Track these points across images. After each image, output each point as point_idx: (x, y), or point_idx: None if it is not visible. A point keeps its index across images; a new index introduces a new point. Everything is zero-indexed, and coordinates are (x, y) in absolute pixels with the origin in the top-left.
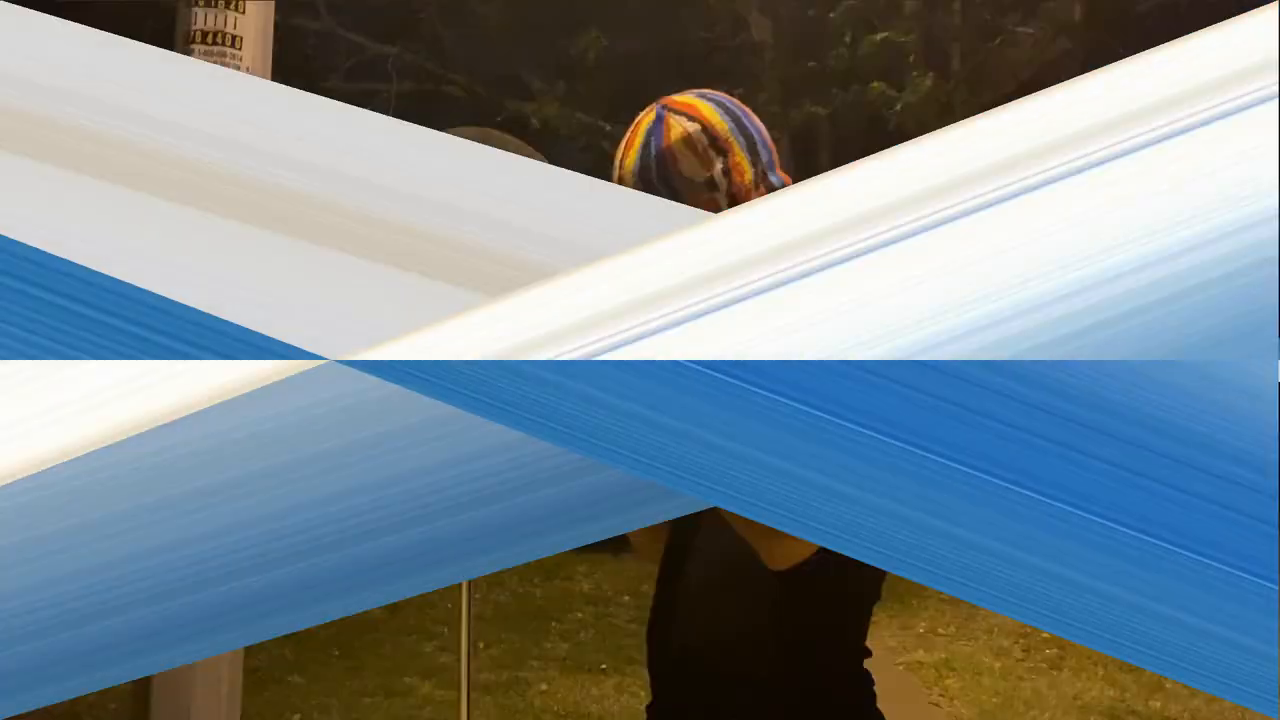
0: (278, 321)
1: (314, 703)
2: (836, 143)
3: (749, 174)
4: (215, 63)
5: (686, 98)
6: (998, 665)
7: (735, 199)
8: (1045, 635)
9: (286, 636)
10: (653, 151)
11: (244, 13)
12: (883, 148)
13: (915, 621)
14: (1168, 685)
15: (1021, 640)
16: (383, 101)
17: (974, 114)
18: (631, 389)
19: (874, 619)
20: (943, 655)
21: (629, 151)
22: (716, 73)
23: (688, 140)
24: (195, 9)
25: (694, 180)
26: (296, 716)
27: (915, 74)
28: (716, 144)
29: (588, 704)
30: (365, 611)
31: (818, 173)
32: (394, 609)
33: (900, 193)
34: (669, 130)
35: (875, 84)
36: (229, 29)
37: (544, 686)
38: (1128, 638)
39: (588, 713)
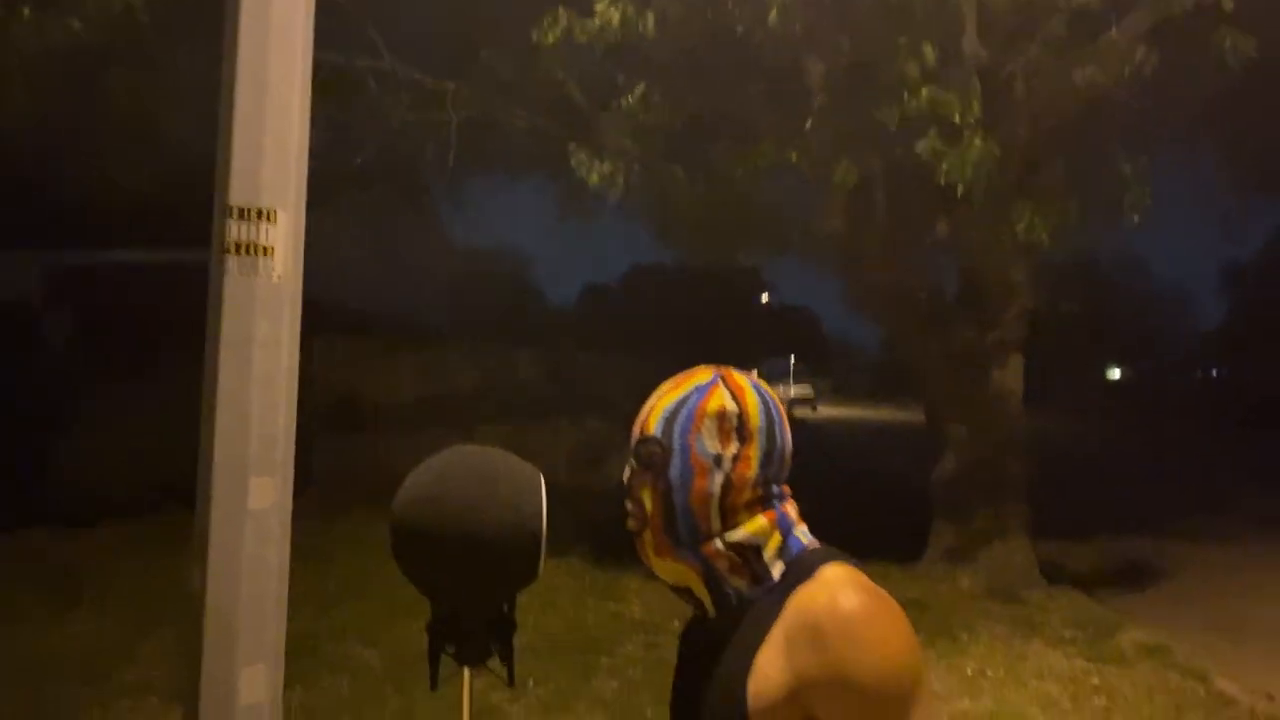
0: None
1: None
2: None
3: (753, 472)
4: (249, 273)
5: (741, 379)
6: (1044, 719)
7: (729, 486)
8: (1094, 681)
9: (343, 668)
10: (688, 406)
11: (275, 223)
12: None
13: (965, 661)
14: None
15: (1070, 688)
16: (445, 131)
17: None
18: None
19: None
20: (989, 704)
21: (672, 393)
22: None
23: (722, 414)
24: (230, 220)
25: (705, 449)
26: None
27: (967, 132)
28: (742, 431)
29: None
30: (413, 640)
31: (870, 224)
32: None
33: None
34: (711, 397)
35: (929, 137)
36: (261, 240)
37: None
38: None
39: None
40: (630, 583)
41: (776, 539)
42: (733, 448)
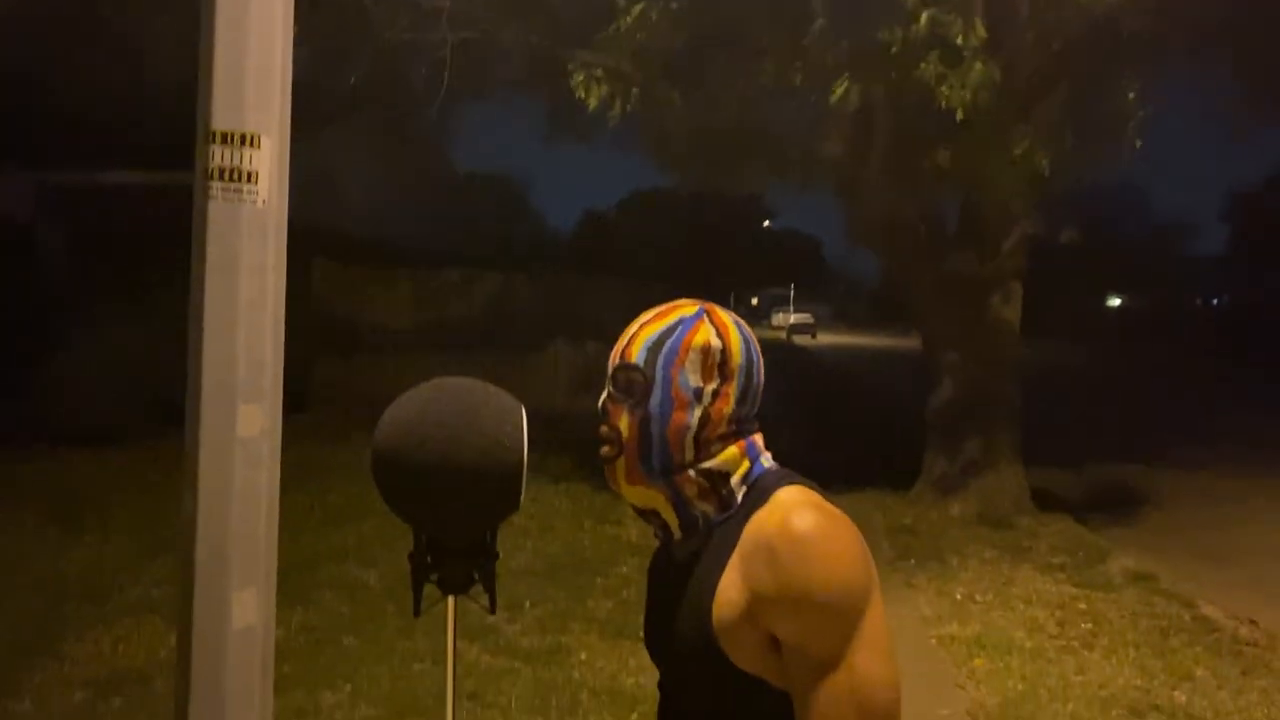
0: None
1: (364, 671)
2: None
3: (730, 408)
4: (233, 199)
5: (727, 318)
6: (1029, 643)
7: (707, 420)
8: (1081, 607)
9: (343, 588)
10: (674, 338)
11: (259, 147)
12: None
13: (954, 586)
14: (1197, 674)
15: (1058, 613)
16: (440, 51)
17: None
18: None
19: (912, 582)
20: (977, 628)
21: (655, 323)
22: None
23: (706, 350)
24: (212, 145)
25: (688, 382)
26: (349, 686)
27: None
28: (724, 368)
29: (624, 677)
30: None
31: (871, 149)
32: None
33: None
34: (697, 331)
35: (927, 63)
36: (245, 165)
37: (583, 655)
38: None
39: (622, 688)
40: (626, 507)
41: (745, 466)
42: (714, 384)
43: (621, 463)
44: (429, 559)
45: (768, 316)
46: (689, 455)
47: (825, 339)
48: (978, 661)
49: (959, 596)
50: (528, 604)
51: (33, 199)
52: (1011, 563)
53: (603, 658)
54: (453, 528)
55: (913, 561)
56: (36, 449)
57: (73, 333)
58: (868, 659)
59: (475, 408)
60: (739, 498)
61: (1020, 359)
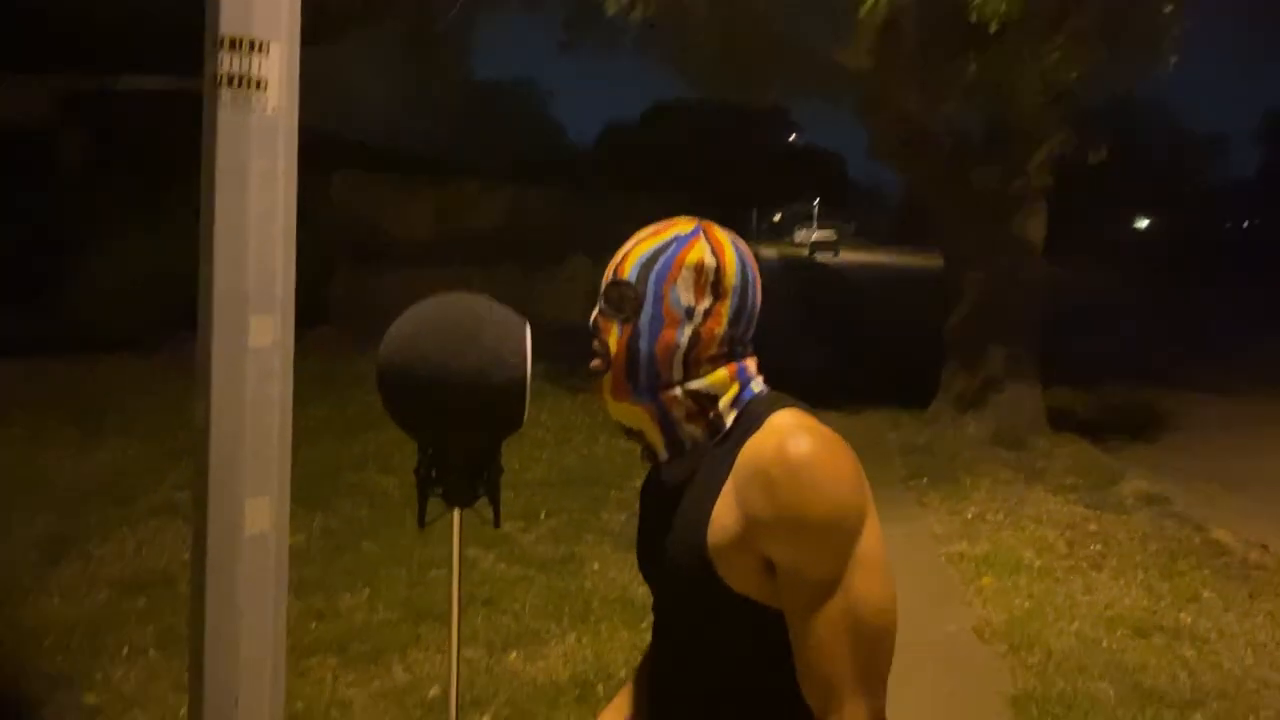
0: None
1: (383, 573)
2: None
3: (722, 328)
4: (242, 106)
5: (724, 236)
6: (1038, 562)
7: (697, 340)
8: (1092, 528)
9: (362, 495)
10: (667, 254)
11: (268, 54)
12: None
13: (965, 506)
14: (1204, 596)
15: (1068, 533)
16: None
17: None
18: None
19: (924, 500)
20: (986, 547)
21: (650, 240)
22: None
23: (700, 267)
24: (221, 52)
25: (679, 300)
26: (367, 590)
27: None
28: (718, 287)
29: (635, 587)
30: None
31: (898, 62)
32: None
33: None
34: (691, 249)
35: None
36: (254, 73)
37: (596, 565)
38: None
39: (633, 598)
40: None
41: (734, 390)
42: (706, 302)
43: (608, 378)
44: (433, 472)
45: (790, 233)
46: (677, 374)
47: (848, 256)
48: (985, 580)
49: (970, 516)
50: (543, 514)
51: (50, 107)
52: (1024, 483)
53: (615, 568)
54: (456, 442)
55: (925, 480)
56: (58, 356)
57: (93, 240)
58: (863, 581)
59: (477, 324)
60: (728, 422)
61: (1042, 279)
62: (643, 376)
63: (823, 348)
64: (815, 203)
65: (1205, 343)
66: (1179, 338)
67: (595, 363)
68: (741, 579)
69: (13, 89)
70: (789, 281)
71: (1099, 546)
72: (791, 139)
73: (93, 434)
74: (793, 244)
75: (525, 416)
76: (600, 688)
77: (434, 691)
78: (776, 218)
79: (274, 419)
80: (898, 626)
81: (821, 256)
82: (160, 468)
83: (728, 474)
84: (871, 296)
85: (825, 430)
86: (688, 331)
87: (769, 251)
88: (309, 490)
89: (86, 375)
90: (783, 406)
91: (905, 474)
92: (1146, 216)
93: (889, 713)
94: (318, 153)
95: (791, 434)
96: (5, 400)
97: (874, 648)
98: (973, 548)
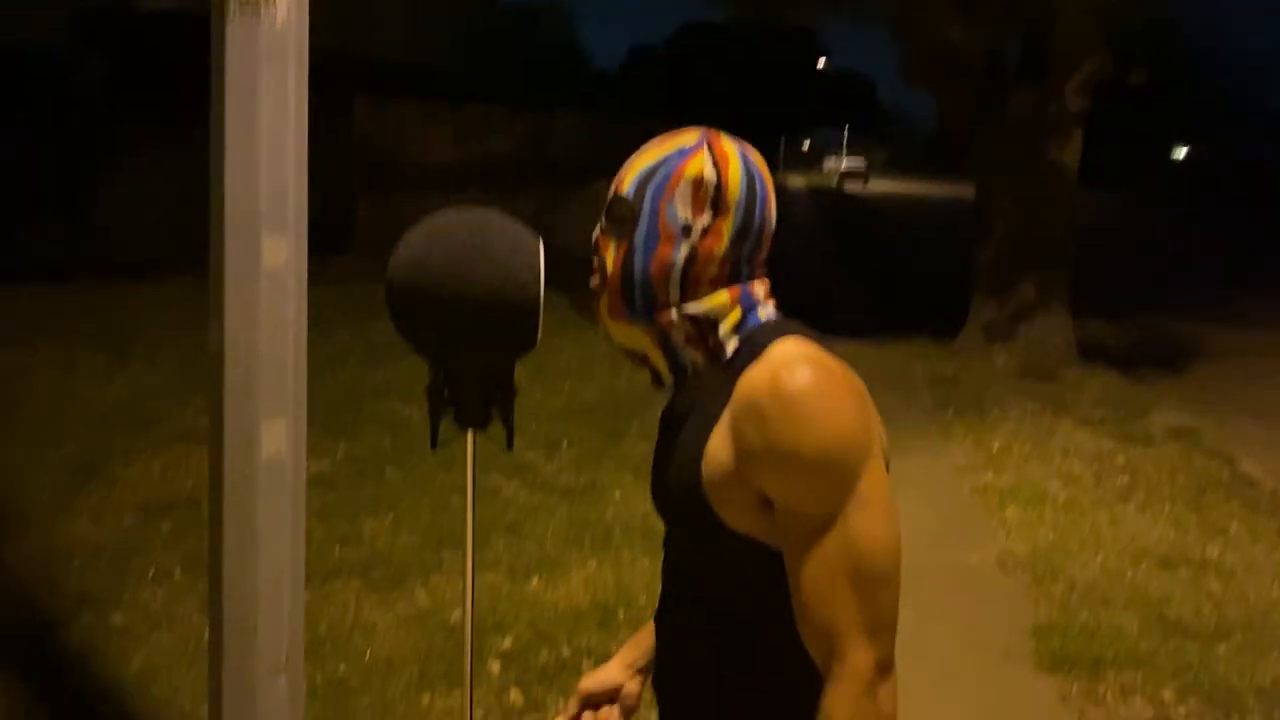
0: None
1: (406, 500)
2: None
3: (722, 247)
4: (250, 19)
5: (729, 147)
6: (1064, 494)
7: (694, 258)
8: (1119, 460)
9: (385, 422)
10: (666, 168)
11: None
12: None
13: (992, 437)
14: (1232, 529)
15: (1095, 465)
16: None
17: None
18: None
19: (950, 432)
20: (1011, 478)
21: (652, 152)
22: None
23: (699, 181)
24: None
25: (675, 215)
26: (390, 516)
27: None
28: (718, 204)
29: (656, 517)
30: None
31: None
32: None
33: None
34: (691, 161)
35: None
36: None
37: (617, 494)
38: None
39: (653, 528)
40: None
41: (735, 315)
42: (704, 219)
43: (605, 298)
44: (445, 393)
45: (818, 162)
46: (674, 295)
47: (877, 186)
48: (1010, 511)
49: (996, 447)
50: (565, 443)
51: (68, 28)
52: (1052, 415)
53: (636, 497)
54: (467, 362)
55: (951, 412)
56: (82, 280)
57: (115, 163)
58: (863, 521)
59: (488, 238)
60: (729, 349)
61: (1076, 207)
62: (638, 296)
63: (850, 279)
64: (845, 131)
65: (1240, 274)
66: (1216, 268)
67: (593, 280)
68: (737, 516)
69: (30, 11)
70: (817, 211)
71: (1126, 479)
72: (821, 64)
73: (119, 359)
74: (821, 173)
75: (539, 336)
76: (621, 613)
77: (456, 615)
78: (805, 146)
79: (289, 341)
80: (900, 569)
81: (850, 186)
82: (185, 392)
83: (725, 405)
84: (901, 227)
85: (827, 361)
86: (684, 249)
87: (797, 180)
88: (333, 417)
89: (112, 300)
90: (787, 334)
91: (931, 405)
92: (1187, 145)
93: (908, 648)
94: (338, 77)
95: (788, 365)
96: (32, 325)
97: (873, 592)
98: (998, 479)
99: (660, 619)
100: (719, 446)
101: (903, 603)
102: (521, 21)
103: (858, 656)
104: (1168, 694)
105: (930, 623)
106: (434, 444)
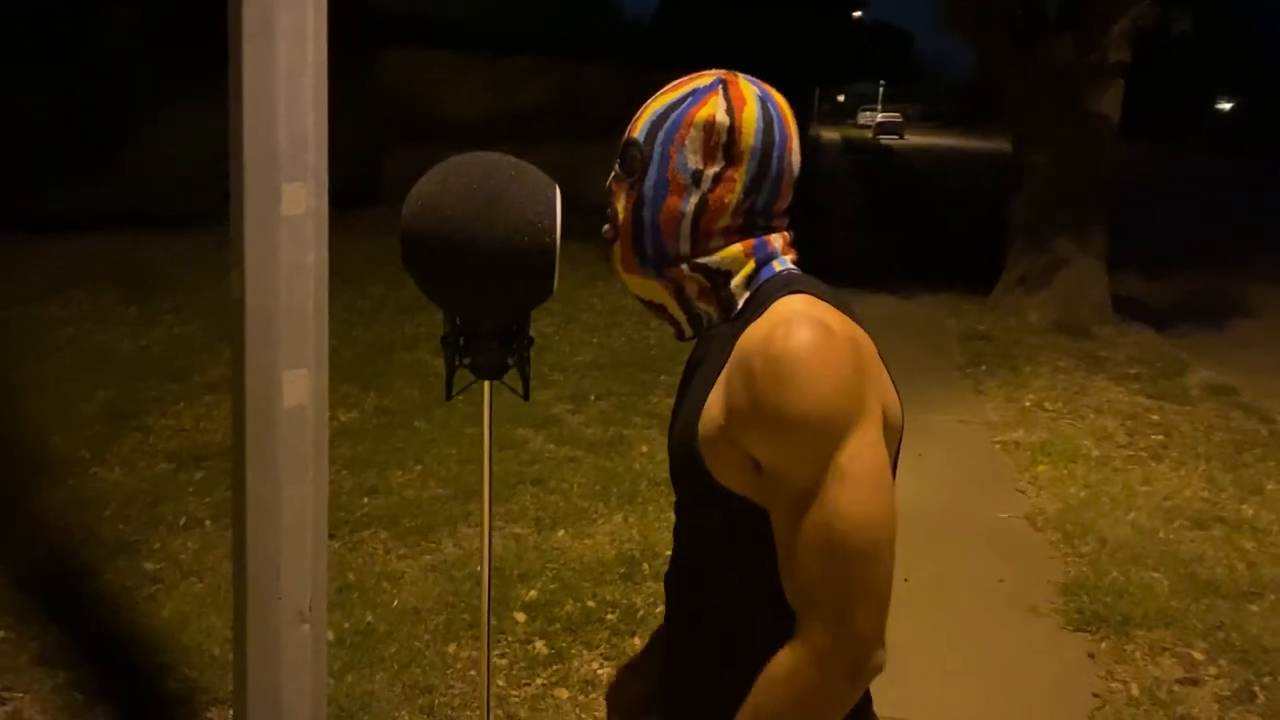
0: None
1: (434, 452)
2: None
3: (735, 196)
4: None
5: (747, 89)
6: (1096, 452)
7: (704, 208)
8: (1154, 418)
9: (415, 374)
10: (678, 112)
11: None
12: None
13: (1023, 394)
14: (1268, 488)
15: (1128, 423)
16: None
17: None
18: None
19: (981, 388)
20: (1043, 435)
21: (667, 95)
22: None
23: (710, 126)
24: None
25: (685, 163)
26: (419, 467)
27: None
28: (730, 150)
29: None
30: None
31: None
32: None
33: None
34: (703, 105)
35: None
36: None
37: (644, 448)
38: None
39: None
40: None
41: (749, 268)
42: (715, 166)
43: (617, 248)
44: (461, 342)
45: (853, 115)
46: (684, 247)
47: (913, 139)
48: (1040, 467)
49: (1028, 404)
50: (593, 397)
51: None
52: (1086, 372)
53: (663, 450)
54: (482, 311)
55: (983, 368)
56: (115, 232)
57: (147, 116)
58: (845, 493)
59: (502, 184)
60: (740, 302)
61: (1114, 160)
62: (649, 247)
63: (884, 233)
64: (881, 85)
65: None
66: (1258, 224)
67: (606, 229)
68: (730, 475)
69: None
70: (851, 165)
71: (1160, 437)
72: (857, 15)
73: (151, 310)
74: (856, 126)
75: (556, 284)
76: (646, 566)
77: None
78: (840, 98)
79: (309, 290)
80: (888, 545)
81: (886, 139)
82: (216, 343)
83: (726, 361)
84: (937, 180)
85: (830, 320)
86: (694, 199)
87: (831, 134)
88: (363, 369)
89: (145, 251)
90: (795, 290)
91: (963, 361)
92: (1231, 98)
93: (935, 603)
94: (367, 27)
95: (785, 323)
96: (67, 277)
97: (853, 565)
98: (1029, 436)
99: (668, 580)
100: (714, 404)
101: (932, 556)
102: None
103: (817, 628)
104: (1198, 653)
105: (958, 578)
106: (449, 394)
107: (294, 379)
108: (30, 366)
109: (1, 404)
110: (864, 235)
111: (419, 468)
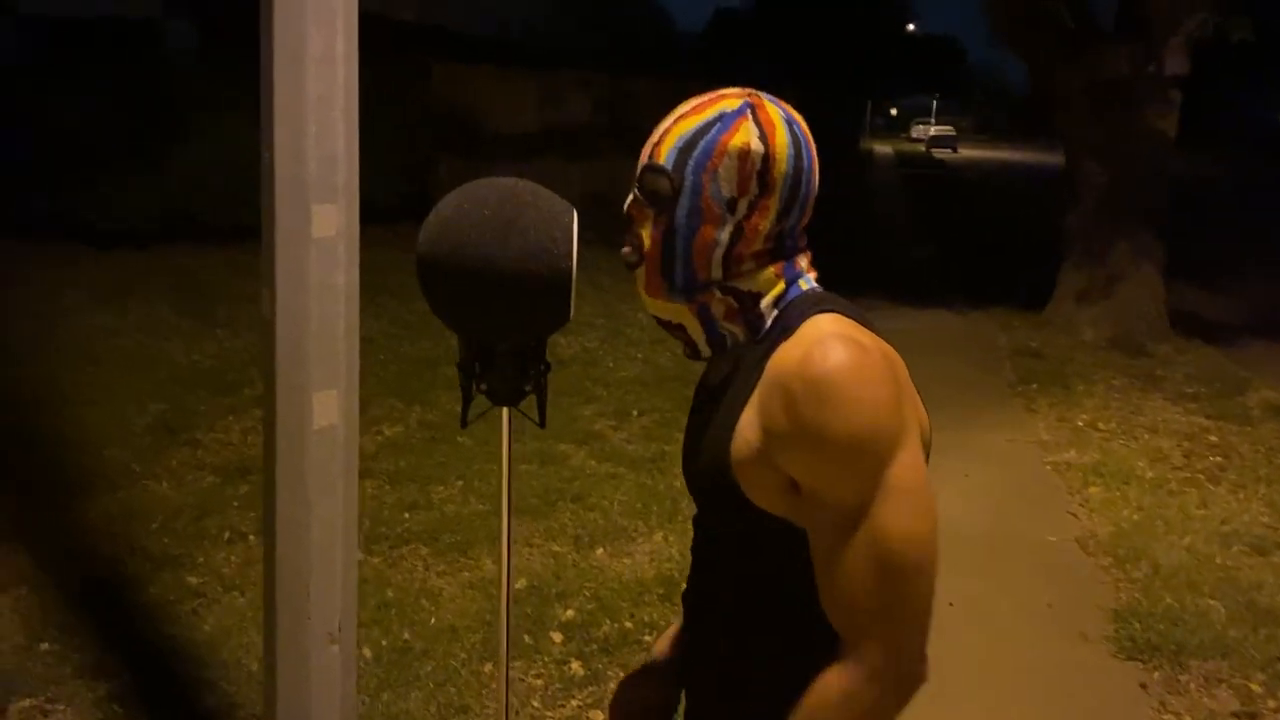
0: None
1: (476, 468)
2: None
3: (768, 223)
4: None
5: (775, 113)
6: (1150, 474)
7: (739, 236)
8: (1212, 439)
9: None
10: (708, 138)
11: None
12: None
13: (1076, 413)
14: None
15: (1185, 444)
16: None
17: None
18: None
19: (1032, 407)
20: (1095, 457)
21: (691, 118)
22: None
23: (745, 154)
24: None
25: (720, 192)
26: (460, 482)
27: None
28: (765, 178)
29: None
30: None
31: None
32: (560, 363)
33: None
34: (736, 131)
35: None
36: None
37: None
38: None
39: None
40: None
41: (779, 288)
42: (750, 195)
43: (642, 273)
44: (477, 368)
45: (906, 128)
46: (716, 273)
47: (967, 152)
48: (1092, 489)
49: (1080, 424)
50: (635, 413)
51: None
52: (1141, 391)
53: None
54: (498, 336)
55: (1035, 385)
56: (171, 244)
57: (205, 130)
58: (892, 511)
59: (518, 209)
60: (767, 321)
61: (1170, 172)
62: (679, 275)
63: (935, 247)
64: (935, 99)
65: None
66: None
67: (626, 251)
68: (766, 497)
69: None
70: (903, 179)
71: (1218, 459)
72: (910, 28)
73: (205, 323)
74: (909, 139)
75: (572, 311)
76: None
77: (521, 584)
78: (893, 111)
79: (340, 311)
80: (934, 562)
81: (939, 153)
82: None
83: (757, 382)
84: (989, 194)
85: (863, 340)
86: (729, 228)
87: (884, 148)
88: (408, 383)
89: (201, 264)
90: (823, 309)
91: (1014, 379)
92: None
93: (981, 626)
94: (416, 42)
95: (820, 343)
96: (123, 289)
97: (901, 582)
98: (1081, 456)
99: (688, 598)
100: (748, 425)
101: (978, 578)
102: None
103: (870, 645)
104: (1256, 686)
105: (1005, 602)
106: (464, 422)
107: (324, 399)
108: (85, 377)
109: (56, 415)
110: (915, 250)
111: (460, 483)
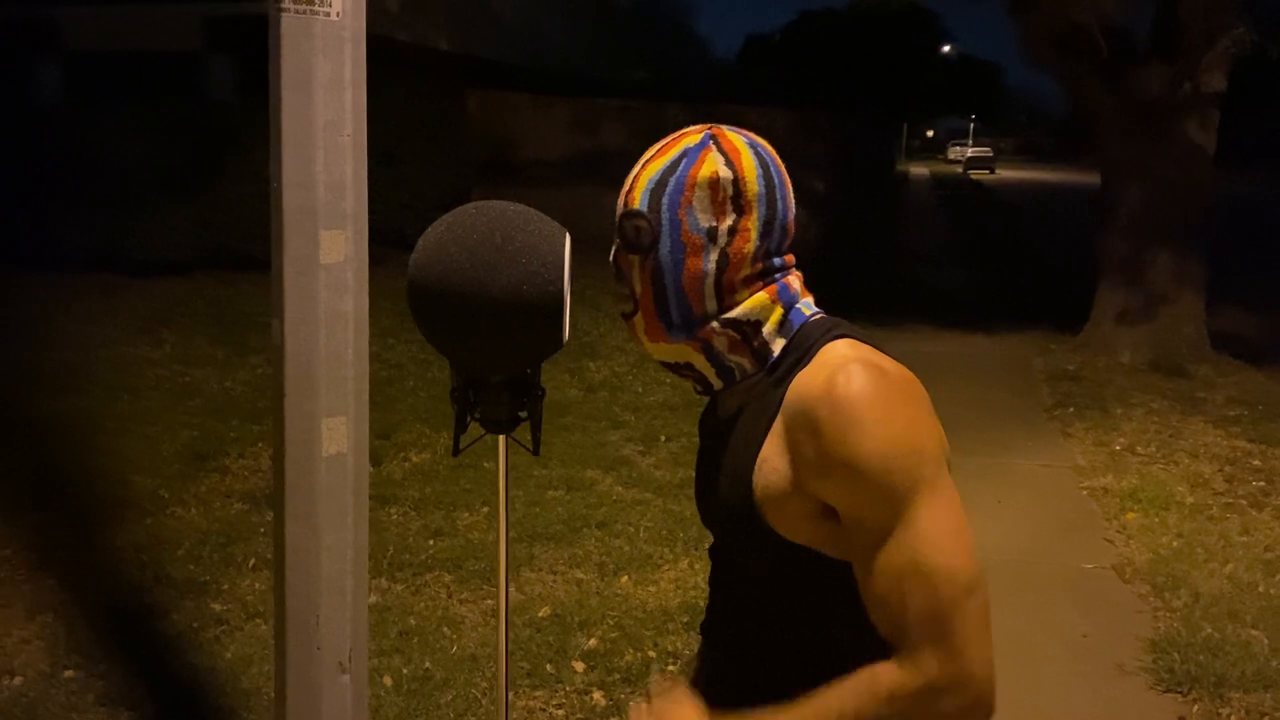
0: None
1: None
2: None
3: (751, 245)
4: (304, 11)
5: (738, 139)
6: (1191, 499)
7: (726, 263)
8: (1255, 463)
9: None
10: (677, 175)
11: None
12: None
13: (1113, 437)
14: None
15: (1227, 468)
16: None
17: None
18: None
19: (1069, 431)
20: (1133, 482)
21: (657, 160)
22: None
23: (714, 183)
24: None
25: (698, 223)
26: (485, 509)
27: None
28: (738, 201)
29: None
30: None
31: None
32: (589, 389)
33: None
34: (702, 163)
35: None
36: None
37: None
38: None
39: None
40: None
41: (778, 314)
42: (728, 220)
43: (639, 320)
44: (471, 395)
45: (943, 150)
46: (711, 305)
47: (1004, 173)
48: (1130, 515)
49: (1118, 448)
50: (663, 438)
51: (201, 32)
52: (1181, 414)
53: None
54: (489, 363)
55: (1071, 409)
56: (208, 274)
57: (241, 162)
58: (930, 528)
59: (509, 233)
60: (775, 349)
61: (1209, 191)
62: (675, 313)
63: (970, 269)
64: (972, 120)
65: None
66: None
67: (623, 305)
68: (792, 527)
69: (166, 20)
70: (940, 200)
71: (1262, 483)
72: (945, 50)
73: (238, 352)
74: (946, 161)
75: (565, 337)
76: None
77: (544, 611)
78: (929, 133)
79: (349, 338)
80: (979, 577)
81: (976, 174)
82: None
83: (776, 412)
84: (1026, 215)
85: (883, 363)
86: (714, 256)
87: (920, 169)
88: (436, 409)
89: (231, 293)
90: (836, 334)
91: (1051, 403)
92: None
93: (1015, 655)
94: (452, 70)
95: (841, 368)
96: (160, 318)
97: (947, 598)
98: (1118, 481)
99: (708, 630)
100: (771, 456)
101: (1011, 607)
102: (639, 12)
103: (929, 662)
104: None
105: (1040, 631)
106: (456, 450)
107: (333, 426)
108: (120, 407)
109: (89, 443)
110: (950, 272)
111: (485, 509)
